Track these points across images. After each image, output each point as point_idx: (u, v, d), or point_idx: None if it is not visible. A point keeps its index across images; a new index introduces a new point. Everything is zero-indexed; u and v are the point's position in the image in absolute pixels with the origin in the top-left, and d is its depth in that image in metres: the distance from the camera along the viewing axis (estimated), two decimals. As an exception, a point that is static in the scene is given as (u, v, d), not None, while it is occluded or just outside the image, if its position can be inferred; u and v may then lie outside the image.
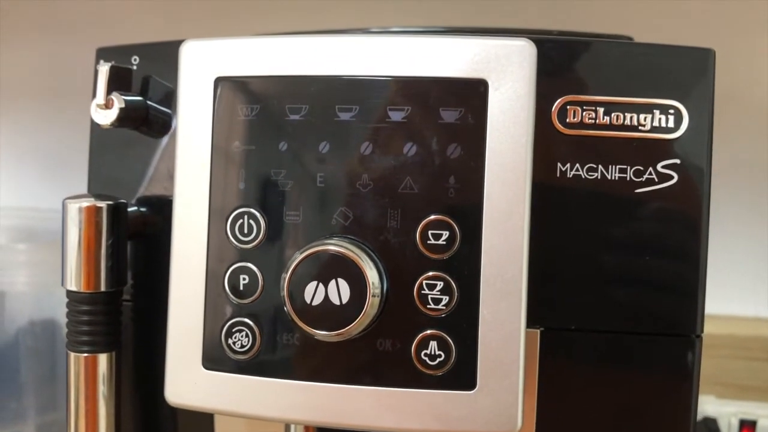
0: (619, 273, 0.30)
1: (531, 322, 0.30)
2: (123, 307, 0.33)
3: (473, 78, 0.26)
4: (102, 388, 0.32)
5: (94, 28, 0.64)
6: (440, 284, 0.26)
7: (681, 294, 0.30)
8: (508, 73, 0.26)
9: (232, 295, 0.27)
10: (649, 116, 0.30)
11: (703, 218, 0.31)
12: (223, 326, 0.27)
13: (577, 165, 0.30)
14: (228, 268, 0.27)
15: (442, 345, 0.25)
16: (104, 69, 0.31)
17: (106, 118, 0.32)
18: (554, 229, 0.31)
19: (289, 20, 0.59)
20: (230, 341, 0.27)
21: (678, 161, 0.30)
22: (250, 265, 0.26)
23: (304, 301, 0.25)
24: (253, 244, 0.26)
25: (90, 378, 0.32)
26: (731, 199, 0.57)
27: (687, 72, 0.30)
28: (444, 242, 0.26)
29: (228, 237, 0.27)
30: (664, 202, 0.30)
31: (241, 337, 0.27)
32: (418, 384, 0.25)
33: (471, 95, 0.26)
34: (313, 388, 0.26)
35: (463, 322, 0.25)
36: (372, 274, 0.25)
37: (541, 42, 0.31)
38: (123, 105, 0.31)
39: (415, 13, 0.57)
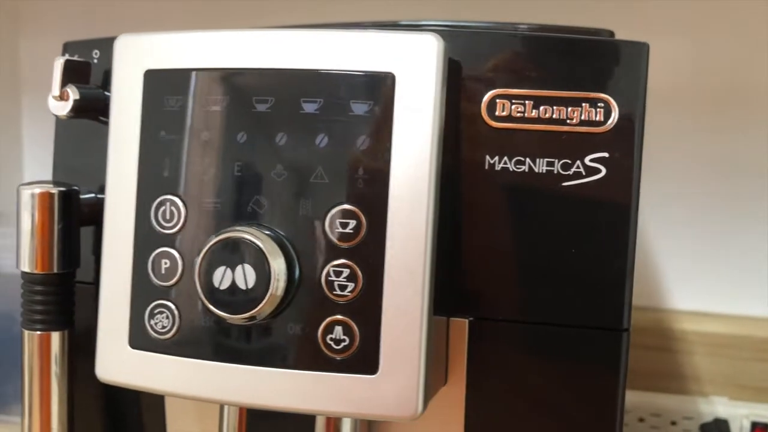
0: (546, 265, 0.31)
1: (460, 312, 0.31)
2: (84, 290, 0.34)
3: (381, 72, 0.26)
4: (54, 367, 0.34)
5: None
6: (346, 271, 0.26)
7: (607, 288, 0.31)
8: (414, 67, 0.26)
9: (155, 279, 0.28)
10: (578, 109, 0.30)
11: (631, 212, 0.31)
12: (147, 308, 0.28)
13: (506, 158, 0.31)
14: (152, 253, 0.28)
15: (347, 330, 0.26)
16: (59, 63, 0.33)
17: (62, 109, 0.33)
18: (483, 222, 0.31)
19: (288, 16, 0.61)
20: (152, 322, 0.28)
21: (606, 155, 0.30)
22: (171, 250, 0.28)
23: (213, 285, 0.26)
24: (175, 230, 0.28)
25: (44, 355, 0.34)
26: (750, 199, 0.56)
27: (618, 66, 0.30)
28: (351, 231, 0.26)
29: (152, 223, 0.28)
30: (591, 195, 0.30)
31: (162, 318, 0.28)
32: (324, 367, 0.26)
33: (379, 88, 0.26)
34: (226, 368, 0.27)
35: (367, 309, 0.26)
36: (278, 261, 0.26)
37: (471, 35, 0.32)
38: (78, 96, 0.33)
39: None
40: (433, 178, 0.26)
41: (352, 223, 0.26)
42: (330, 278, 0.26)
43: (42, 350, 0.33)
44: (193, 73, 0.28)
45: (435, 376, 0.29)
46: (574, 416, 0.32)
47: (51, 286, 0.33)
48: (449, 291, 0.31)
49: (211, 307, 0.26)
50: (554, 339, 0.31)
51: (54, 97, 0.33)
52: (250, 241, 0.26)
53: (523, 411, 0.32)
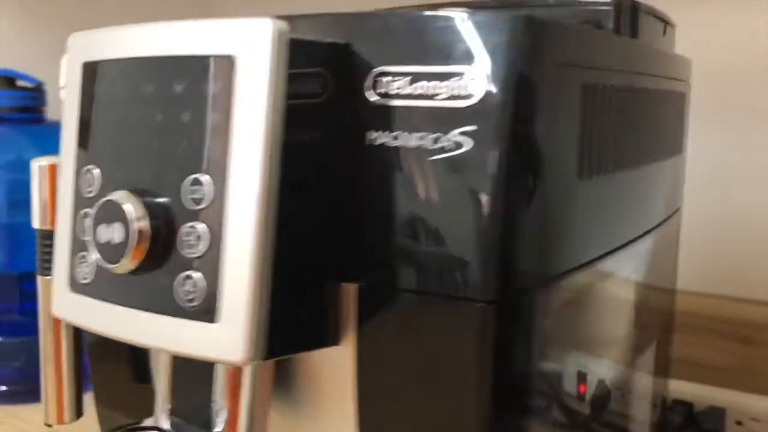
0: (420, 237, 0.32)
1: (349, 278, 0.34)
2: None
3: (224, 55, 0.30)
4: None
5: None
6: (196, 232, 0.30)
7: (474, 260, 0.31)
8: (252, 50, 0.29)
9: (79, 234, 0.34)
10: (447, 84, 0.31)
11: (498, 185, 0.31)
12: (75, 258, 0.34)
13: (384, 133, 0.32)
14: (79, 213, 0.34)
15: (195, 284, 0.30)
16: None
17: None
18: (367, 194, 0.33)
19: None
20: (78, 270, 0.34)
21: (473, 128, 0.31)
22: (89, 210, 0.33)
23: (99, 240, 0.32)
24: (92, 194, 0.34)
25: (55, 297, 0.41)
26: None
27: (488, 38, 0.31)
28: (200, 197, 0.30)
29: (80, 188, 0.34)
30: (458, 168, 0.31)
31: (84, 267, 0.34)
32: (177, 314, 0.31)
33: (223, 70, 0.30)
34: (113, 308, 0.32)
35: (211, 266, 0.30)
36: (142, 221, 0.31)
37: (357, 19, 0.33)
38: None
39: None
40: (268, 152, 0.29)
41: (201, 190, 0.30)
42: (183, 238, 0.30)
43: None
44: (102, 64, 0.33)
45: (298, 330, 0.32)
46: (449, 388, 0.32)
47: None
48: (339, 258, 0.34)
49: (98, 258, 0.32)
50: (429, 308, 0.32)
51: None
52: (120, 203, 0.31)
53: (404, 377, 0.33)
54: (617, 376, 0.45)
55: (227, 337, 0.30)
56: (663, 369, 0.60)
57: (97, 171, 0.34)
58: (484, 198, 0.31)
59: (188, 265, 0.30)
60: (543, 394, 0.36)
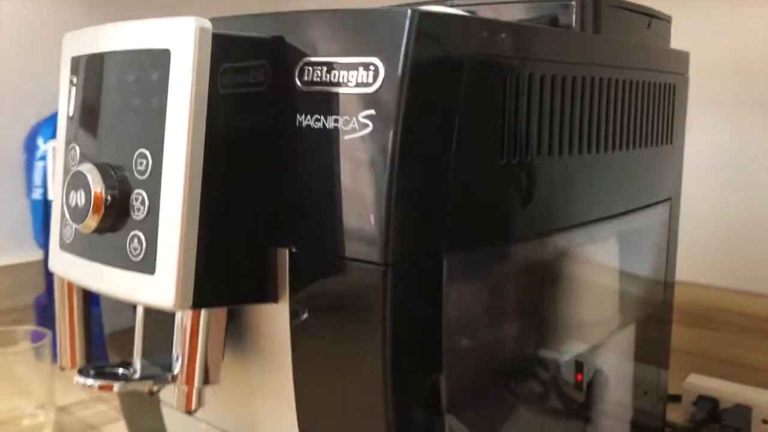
0: (334, 206, 0.36)
1: (284, 243, 0.39)
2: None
3: (163, 49, 0.35)
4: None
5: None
6: (141, 198, 0.36)
7: (374, 226, 0.35)
8: (181, 45, 0.35)
9: (65, 202, 0.41)
10: (355, 72, 0.35)
11: (395, 161, 0.35)
12: (63, 221, 0.41)
13: (308, 116, 0.37)
14: (66, 182, 0.41)
15: (140, 241, 0.36)
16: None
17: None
18: (296, 170, 0.38)
19: None
20: (64, 231, 0.41)
21: (373, 112, 0.35)
22: (73, 180, 0.40)
23: (69, 204, 0.38)
24: (75, 167, 0.40)
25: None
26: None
27: (386, 32, 0.35)
28: (143, 169, 0.36)
29: (67, 163, 0.41)
30: (362, 147, 0.35)
31: (68, 229, 0.40)
32: (127, 267, 0.36)
33: (162, 62, 0.35)
34: (84, 263, 0.39)
35: (151, 226, 0.36)
36: (99, 188, 0.37)
37: (288, 17, 0.38)
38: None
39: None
40: (192, 130, 0.34)
41: (145, 162, 0.36)
42: (132, 203, 0.36)
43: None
44: (82, 58, 0.40)
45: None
46: (359, 341, 0.37)
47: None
48: (275, 225, 0.39)
49: (69, 219, 0.38)
50: (344, 270, 0.37)
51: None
52: (83, 173, 0.37)
53: (325, 331, 0.38)
54: (547, 351, 0.47)
55: (161, 287, 0.35)
56: (654, 359, 0.61)
57: (77, 148, 0.40)
58: (382, 174, 0.35)
59: (135, 226, 0.36)
60: (455, 358, 0.39)
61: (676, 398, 0.76)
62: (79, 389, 0.40)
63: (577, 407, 0.50)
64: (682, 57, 0.59)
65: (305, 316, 0.39)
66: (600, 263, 0.52)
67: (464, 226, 0.38)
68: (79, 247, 0.40)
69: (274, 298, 0.39)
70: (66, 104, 0.41)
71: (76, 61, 0.41)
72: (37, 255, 0.94)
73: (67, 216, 0.39)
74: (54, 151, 0.47)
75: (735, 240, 0.84)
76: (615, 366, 0.54)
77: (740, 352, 0.82)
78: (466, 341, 0.40)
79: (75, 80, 0.41)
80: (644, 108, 0.53)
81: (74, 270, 0.40)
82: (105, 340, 0.52)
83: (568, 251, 0.47)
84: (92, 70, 0.39)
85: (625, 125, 0.50)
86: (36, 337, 0.74)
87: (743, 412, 0.74)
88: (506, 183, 0.40)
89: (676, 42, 0.60)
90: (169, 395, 0.41)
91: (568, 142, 0.44)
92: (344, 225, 0.36)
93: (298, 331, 0.39)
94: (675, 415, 0.75)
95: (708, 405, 0.75)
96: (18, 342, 0.73)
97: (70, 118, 0.41)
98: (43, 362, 0.73)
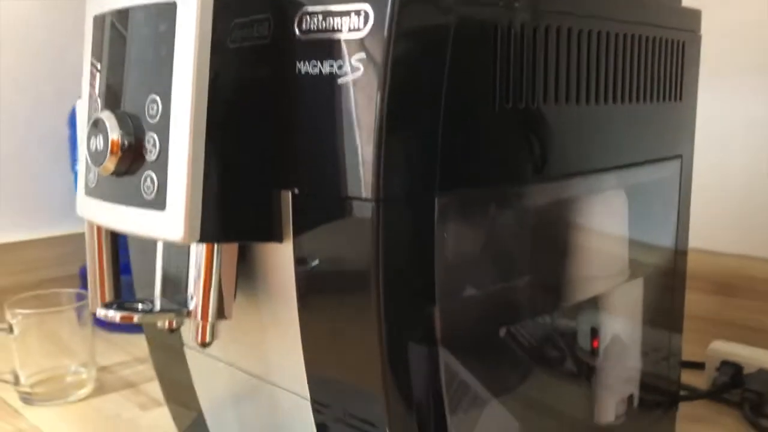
0: (337, 149, 0.39)
1: (287, 185, 0.41)
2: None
3: (169, 2, 0.38)
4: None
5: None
6: (153, 140, 0.39)
7: (361, 164, 0.37)
8: (186, -1, 0.37)
9: (88, 149, 0.44)
10: (348, 18, 0.38)
11: (384, 102, 0.37)
12: (88, 167, 0.44)
13: (306, 63, 0.40)
14: (88, 129, 0.44)
15: (152, 180, 0.39)
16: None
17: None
18: (298, 116, 0.40)
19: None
20: (89, 177, 0.44)
21: (363, 55, 0.37)
22: (94, 127, 0.43)
23: (90, 148, 0.41)
24: (94, 115, 0.43)
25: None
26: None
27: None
28: (154, 113, 0.39)
29: (91, 113, 0.44)
30: (355, 88, 0.38)
31: (91, 175, 0.44)
32: (141, 205, 0.40)
33: (170, 15, 0.38)
34: (105, 204, 0.42)
35: (162, 167, 0.39)
36: (116, 132, 0.40)
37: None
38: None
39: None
40: (196, 77, 0.37)
41: (156, 107, 0.39)
42: (145, 145, 0.39)
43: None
44: (102, 16, 0.43)
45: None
46: (353, 277, 0.39)
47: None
48: (279, 168, 0.41)
49: (91, 164, 0.41)
50: (341, 209, 0.39)
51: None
52: (102, 120, 0.40)
53: (327, 267, 0.40)
54: (541, 301, 0.49)
55: (171, 222, 0.38)
56: (665, 322, 0.62)
57: (100, 99, 0.43)
58: (370, 113, 0.37)
59: (148, 167, 0.39)
60: (449, 294, 0.41)
61: (700, 365, 0.77)
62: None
63: (572, 355, 0.52)
64: (693, 15, 0.59)
65: (308, 254, 0.41)
66: (606, 215, 0.53)
67: (458, 168, 0.40)
68: (101, 190, 0.43)
69: (279, 238, 0.42)
70: (88, 59, 0.45)
71: (96, 20, 0.44)
72: (82, 226, 0.99)
73: (89, 160, 0.42)
74: (80, 108, 0.50)
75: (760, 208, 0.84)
76: (618, 321, 0.55)
77: (763, 319, 0.82)
78: (461, 279, 0.42)
79: (98, 36, 0.44)
80: (653, 63, 0.54)
81: (98, 212, 0.44)
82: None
83: (570, 199, 0.48)
84: (110, 26, 0.42)
85: (627, 78, 0.51)
86: (79, 299, 0.78)
87: (767, 376, 0.74)
88: (502, 127, 0.42)
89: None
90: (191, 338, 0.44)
91: (566, 91, 0.46)
92: (341, 166, 0.38)
93: (300, 268, 0.41)
94: (698, 381, 0.75)
95: (731, 370, 0.76)
96: (63, 304, 0.78)
97: (92, 73, 0.44)
98: (85, 323, 0.77)
